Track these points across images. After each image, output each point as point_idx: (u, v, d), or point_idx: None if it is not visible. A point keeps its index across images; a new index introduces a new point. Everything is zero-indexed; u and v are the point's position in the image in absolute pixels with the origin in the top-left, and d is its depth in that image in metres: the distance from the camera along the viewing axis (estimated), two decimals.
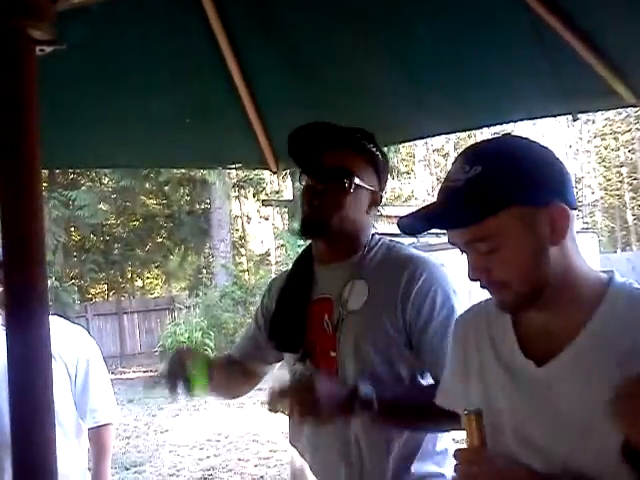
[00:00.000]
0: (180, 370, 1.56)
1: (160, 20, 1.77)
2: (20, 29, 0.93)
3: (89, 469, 2.45)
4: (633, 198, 32.59)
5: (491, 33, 1.77)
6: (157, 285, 21.27)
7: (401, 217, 1.02)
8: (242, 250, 19.82)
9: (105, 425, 2.44)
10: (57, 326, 2.29)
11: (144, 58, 1.85)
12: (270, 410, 1.35)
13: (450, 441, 1.59)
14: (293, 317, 1.59)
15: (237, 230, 19.67)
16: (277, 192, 19.25)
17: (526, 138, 1.05)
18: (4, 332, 2.33)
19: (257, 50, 1.96)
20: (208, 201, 16.06)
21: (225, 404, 9.42)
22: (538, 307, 1.01)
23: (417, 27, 1.80)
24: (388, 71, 1.97)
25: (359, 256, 1.56)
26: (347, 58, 1.94)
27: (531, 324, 1.05)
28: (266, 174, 14.54)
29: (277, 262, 17.71)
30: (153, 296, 19.57)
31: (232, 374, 1.80)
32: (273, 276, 10.94)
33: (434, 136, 3.01)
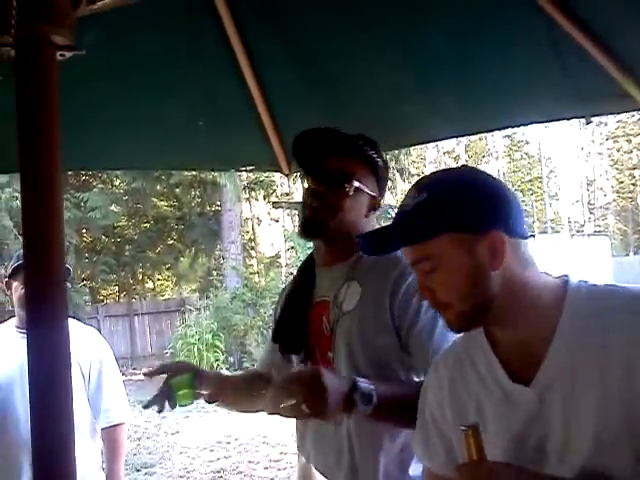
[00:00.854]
0: (165, 388, 1.73)
1: (174, 24, 1.78)
2: (43, 35, 0.95)
3: (103, 468, 2.47)
4: None
5: (504, 36, 1.78)
6: (168, 287, 21.34)
7: (359, 236, 1.15)
8: (252, 252, 19.85)
9: (118, 425, 2.47)
10: (70, 327, 2.31)
11: (158, 62, 1.86)
12: (272, 412, 1.30)
13: None
14: (295, 320, 1.66)
15: (247, 232, 19.70)
16: (287, 194, 19.29)
17: (478, 170, 1.14)
18: (19, 334, 2.38)
19: (270, 53, 1.97)
20: (219, 203, 16.10)
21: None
22: (500, 326, 1.08)
23: (430, 30, 1.81)
24: (401, 75, 1.97)
25: (354, 258, 1.60)
26: (360, 62, 1.94)
27: (506, 345, 1.09)
28: (277, 176, 14.59)
29: (287, 264, 17.72)
30: (164, 298, 19.64)
31: (249, 388, 1.80)
32: (283, 278, 10.86)
33: (447, 139, 3.02)
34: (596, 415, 0.98)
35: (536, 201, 29.79)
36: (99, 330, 2.65)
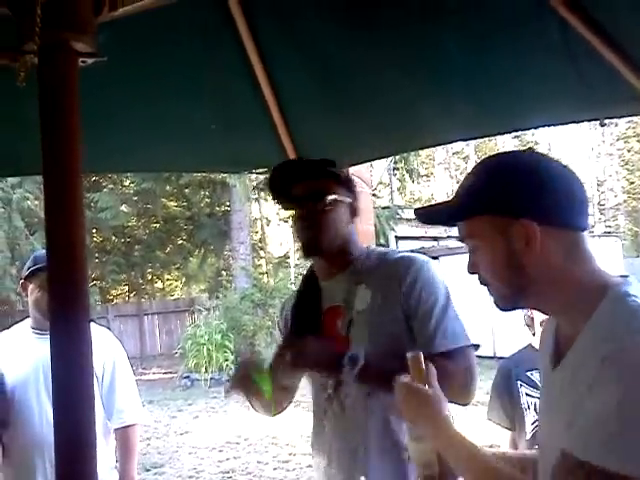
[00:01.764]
0: (247, 380, 1.72)
1: (189, 29, 1.79)
2: (65, 42, 0.96)
3: (115, 468, 2.48)
4: None
5: (518, 39, 1.77)
6: (177, 287, 21.41)
7: (418, 208, 1.24)
8: (261, 252, 19.87)
9: (131, 425, 2.48)
10: None
11: (173, 66, 1.87)
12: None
13: None
14: (310, 326, 1.79)
15: (256, 232, 19.72)
16: None
17: (534, 157, 1.15)
18: (35, 335, 2.40)
19: (283, 56, 1.97)
20: (228, 203, 16.13)
21: (245, 406, 9.44)
22: (543, 311, 1.16)
23: (444, 34, 1.81)
24: (414, 78, 1.97)
25: (357, 264, 1.78)
26: (374, 65, 1.94)
27: (560, 329, 1.14)
28: None
29: (296, 264, 17.71)
30: (173, 298, 19.70)
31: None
32: (292, 278, 10.92)
33: (461, 141, 3.02)
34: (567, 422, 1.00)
35: None
36: (108, 329, 2.66)
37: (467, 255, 1.18)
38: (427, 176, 27.57)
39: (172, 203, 17.80)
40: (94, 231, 16.27)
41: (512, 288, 1.10)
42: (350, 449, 1.71)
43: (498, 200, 1.09)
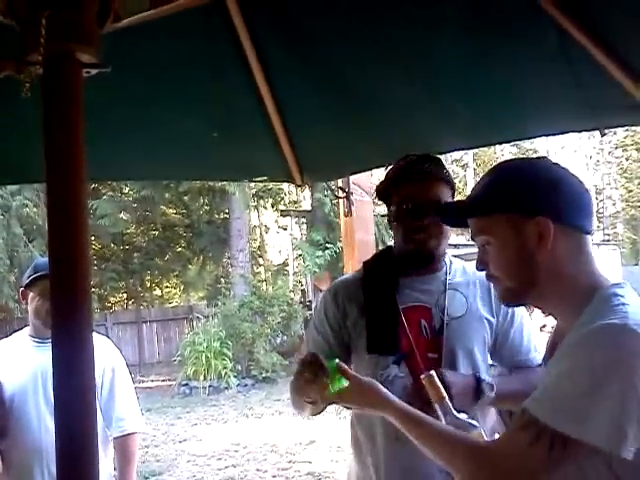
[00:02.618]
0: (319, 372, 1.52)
1: (191, 38, 1.80)
2: (70, 53, 0.97)
3: (114, 477, 2.47)
4: None
5: (518, 49, 1.78)
6: (176, 294, 21.36)
7: (439, 207, 1.36)
8: (260, 260, 19.84)
9: (131, 434, 2.47)
10: None
11: (175, 75, 1.88)
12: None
13: None
14: (389, 322, 1.73)
15: (255, 240, 19.71)
16: (295, 202, 19.28)
17: (547, 163, 1.22)
18: (34, 344, 2.39)
19: (284, 66, 1.98)
20: (227, 211, 16.11)
21: (243, 414, 9.42)
22: (536, 304, 1.20)
23: (445, 42, 1.82)
24: (416, 87, 1.98)
25: (445, 271, 1.80)
26: (375, 75, 1.95)
27: (557, 329, 1.21)
28: (285, 184, 14.59)
29: (295, 272, 17.70)
30: (172, 305, 19.65)
31: None
32: (291, 286, 10.83)
33: (459, 150, 3.04)
34: None
35: None
36: (107, 337, 2.66)
37: (475, 256, 1.22)
38: None
39: (171, 210, 17.79)
40: (93, 238, 16.23)
41: (520, 283, 1.15)
42: (427, 474, 1.62)
43: (515, 198, 1.14)
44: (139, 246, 17.72)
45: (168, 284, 20.62)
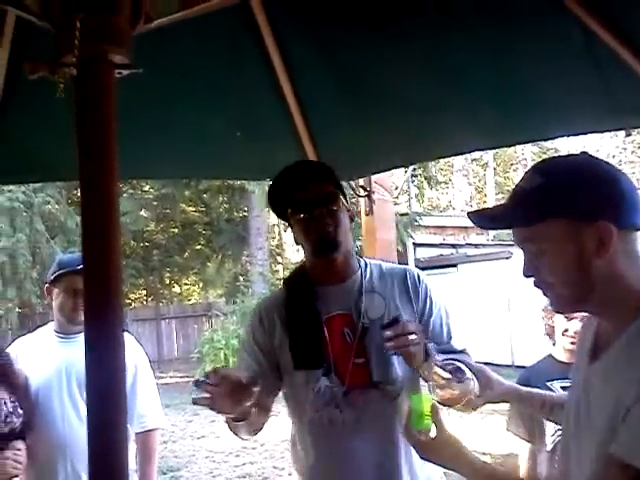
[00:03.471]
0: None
1: (215, 39, 1.82)
2: (103, 54, 0.99)
3: (135, 471, 2.49)
4: None
5: (542, 48, 1.77)
6: (195, 291, 21.48)
7: (473, 212, 1.18)
8: (279, 258, 19.88)
9: (152, 430, 2.49)
10: None
11: (200, 76, 1.90)
12: None
13: None
14: (311, 336, 1.73)
15: (274, 238, 19.75)
16: None
17: (596, 159, 1.14)
18: (58, 339, 2.42)
19: (307, 65, 1.99)
20: (246, 209, 16.18)
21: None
22: (592, 312, 1.14)
23: (464, 43, 1.81)
24: (435, 88, 1.98)
25: (360, 274, 1.79)
26: (397, 74, 1.95)
27: (601, 327, 1.15)
28: None
29: None
30: (191, 302, 19.77)
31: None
32: None
33: (483, 150, 3.02)
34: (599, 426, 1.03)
35: None
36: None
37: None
38: (445, 183, 27.42)
39: (191, 208, 17.89)
40: None
41: (576, 291, 1.08)
42: (374, 465, 1.68)
43: (573, 202, 1.05)
44: (159, 243, 17.85)
45: (187, 281, 20.74)
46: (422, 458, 1.40)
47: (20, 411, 2.24)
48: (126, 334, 2.51)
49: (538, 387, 2.35)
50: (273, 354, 1.78)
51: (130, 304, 18.85)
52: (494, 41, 1.80)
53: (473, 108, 2.02)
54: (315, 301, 1.76)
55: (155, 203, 16.58)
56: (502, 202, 1.18)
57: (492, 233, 16.64)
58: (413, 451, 1.51)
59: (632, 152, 32.09)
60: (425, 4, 1.71)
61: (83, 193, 0.97)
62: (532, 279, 1.13)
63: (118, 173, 1.05)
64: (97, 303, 0.94)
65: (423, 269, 2.44)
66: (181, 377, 13.47)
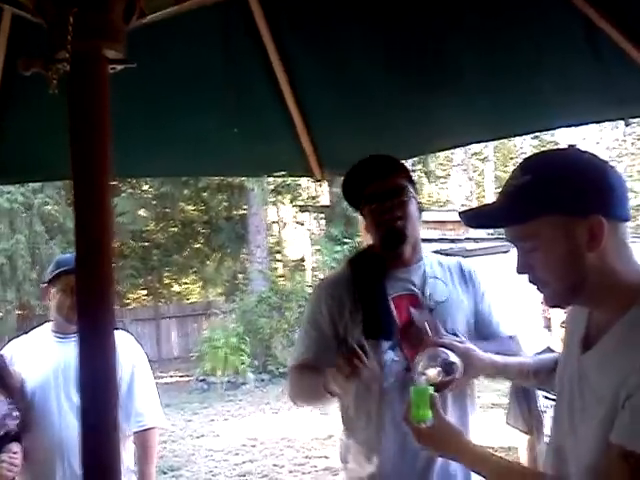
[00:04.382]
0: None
1: (210, 34, 1.81)
2: (97, 50, 0.98)
3: (134, 471, 2.49)
4: None
5: (542, 39, 1.76)
6: (194, 290, 21.48)
7: (463, 211, 1.19)
8: (278, 256, 19.88)
9: (151, 429, 2.48)
10: None
11: (195, 70, 1.89)
12: None
13: None
14: (384, 310, 1.84)
15: (273, 236, 19.75)
16: (313, 198, 19.28)
17: (583, 153, 1.15)
18: (55, 339, 2.41)
19: (304, 60, 1.98)
20: (245, 207, 16.17)
21: (260, 410, 9.46)
22: (585, 304, 1.15)
23: (467, 35, 1.80)
24: (434, 80, 1.97)
25: (423, 262, 1.92)
26: (394, 68, 1.94)
27: (592, 318, 1.16)
28: (303, 180, 14.60)
29: (313, 268, 17.69)
30: (190, 301, 19.77)
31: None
32: (309, 281, 10.91)
33: (482, 142, 3.02)
34: (595, 414, 1.04)
35: None
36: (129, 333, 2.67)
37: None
38: (445, 178, 27.39)
39: (190, 207, 17.87)
40: None
41: (571, 285, 1.10)
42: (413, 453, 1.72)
43: (563, 198, 1.06)
44: (158, 243, 17.83)
45: (186, 280, 20.73)
46: (422, 447, 1.42)
47: (16, 413, 2.23)
48: (124, 333, 2.54)
49: None
50: (339, 325, 1.87)
51: (129, 304, 18.84)
52: (493, 32, 1.79)
53: (472, 100, 2.02)
54: (383, 280, 1.87)
55: (154, 202, 16.57)
56: (492, 201, 1.19)
57: None
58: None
59: (632, 144, 32.08)
60: None
61: (76, 191, 0.96)
62: (526, 276, 1.14)
63: (112, 170, 1.04)
64: (89, 300, 0.94)
65: None
66: (181, 376, 13.49)
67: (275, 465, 6.72)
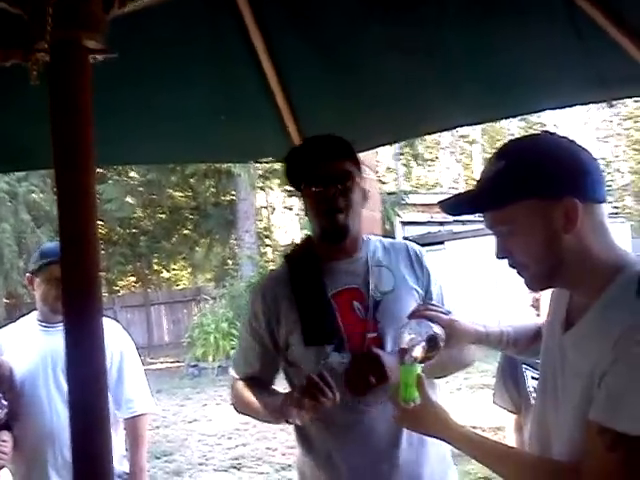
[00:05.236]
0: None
1: (192, 18, 1.79)
2: (76, 40, 0.97)
3: (125, 457, 2.50)
4: None
5: (525, 21, 1.75)
6: (183, 277, 21.47)
7: (442, 200, 1.20)
8: (267, 241, 19.89)
9: (141, 415, 2.50)
10: None
11: (180, 58, 1.87)
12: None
13: None
14: (321, 310, 1.70)
15: (262, 221, 19.74)
16: None
17: (556, 137, 1.18)
18: (41, 328, 2.42)
19: (289, 44, 1.96)
20: (233, 193, 16.13)
21: None
22: (564, 286, 1.18)
23: (450, 17, 1.80)
24: (419, 62, 1.96)
25: (365, 249, 1.79)
26: (380, 51, 1.93)
27: (573, 299, 1.19)
28: None
29: None
30: (179, 287, 19.77)
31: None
32: None
33: (468, 125, 3.03)
34: (574, 393, 1.08)
35: None
36: (116, 321, 2.67)
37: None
38: (432, 160, 27.44)
39: (177, 193, 17.80)
40: (100, 223, 16.31)
41: (548, 268, 1.12)
42: (389, 440, 1.66)
43: (538, 183, 1.08)
44: (146, 229, 17.78)
45: (175, 267, 20.71)
46: (408, 428, 1.42)
47: (4, 402, 2.24)
48: (111, 320, 2.55)
49: (524, 360, 2.39)
50: (277, 332, 1.75)
51: (118, 291, 18.82)
52: (477, 15, 1.79)
53: (457, 83, 2.01)
54: (321, 276, 1.74)
55: (141, 189, 16.48)
56: (470, 188, 1.23)
57: None
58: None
59: (618, 124, 32.22)
60: None
61: (58, 182, 0.96)
62: (506, 260, 1.16)
63: (96, 159, 1.04)
64: (75, 288, 0.94)
65: None
66: (172, 362, 13.53)
67: (268, 448, 6.77)
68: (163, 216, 17.72)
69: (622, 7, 1.62)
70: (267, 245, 19.76)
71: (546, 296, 2.32)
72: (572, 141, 1.16)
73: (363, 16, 1.85)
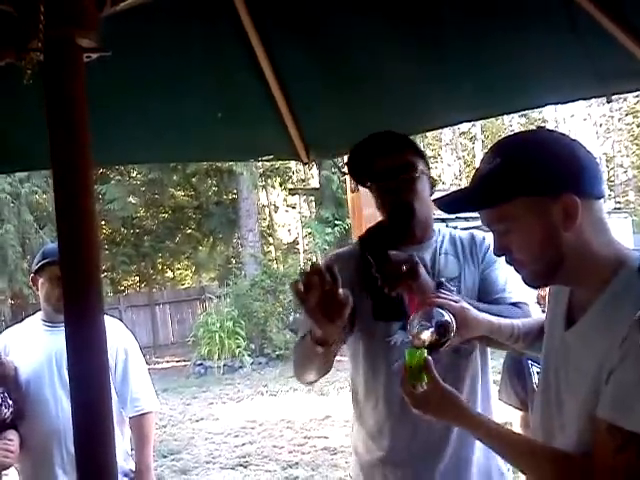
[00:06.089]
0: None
1: (191, 17, 1.79)
2: (69, 38, 0.97)
3: (131, 456, 2.52)
4: None
5: (521, 16, 1.75)
6: (187, 276, 21.49)
7: (439, 198, 1.20)
8: (270, 239, 19.90)
9: (147, 413, 2.51)
10: None
11: (178, 56, 1.87)
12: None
13: None
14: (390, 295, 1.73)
15: (265, 219, 19.74)
16: (303, 180, 19.25)
17: (553, 133, 1.17)
18: (46, 328, 2.43)
19: (287, 43, 1.97)
20: (235, 191, 16.14)
21: (258, 392, 9.53)
22: (564, 283, 1.16)
23: (447, 14, 1.80)
24: (418, 59, 1.97)
25: (435, 239, 1.87)
26: (378, 49, 1.94)
27: (574, 296, 1.18)
28: (292, 163, 14.58)
29: (305, 250, 17.72)
30: (184, 287, 19.78)
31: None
32: (302, 264, 10.80)
33: (468, 122, 3.02)
34: (581, 388, 1.07)
35: None
36: (121, 320, 2.69)
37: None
38: (434, 157, 27.36)
39: (180, 193, 17.82)
40: (103, 223, 16.33)
41: (548, 265, 1.11)
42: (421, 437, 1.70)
43: (535, 180, 1.07)
44: (149, 229, 17.80)
45: (179, 266, 20.73)
46: (420, 412, 1.38)
47: (10, 402, 2.25)
48: (115, 320, 2.56)
49: (529, 356, 2.38)
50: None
51: (123, 291, 18.84)
52: (476, 12, 1.78)
53: (456, 80, 2.01)
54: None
55: (143, 189, 16.50)
56: (466, 186, 1.20)
57: None
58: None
59: (619, 119, 32.08)
60: None
61: (55, 180, 0.96)
62: (504, 257, 1.15)
63: (95, 159, 1.04)
64: (75, 287, 0.94)
65: None
66: (178, 361, 13.55)
67: (275, 446, 6.78)
68: (166, 215, 17.75)
69: (619, 3, 1.62)
70: (270, 243, 19.77)
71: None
72: (567, 136, 1.15)
73: (361, 16, 1.85)
